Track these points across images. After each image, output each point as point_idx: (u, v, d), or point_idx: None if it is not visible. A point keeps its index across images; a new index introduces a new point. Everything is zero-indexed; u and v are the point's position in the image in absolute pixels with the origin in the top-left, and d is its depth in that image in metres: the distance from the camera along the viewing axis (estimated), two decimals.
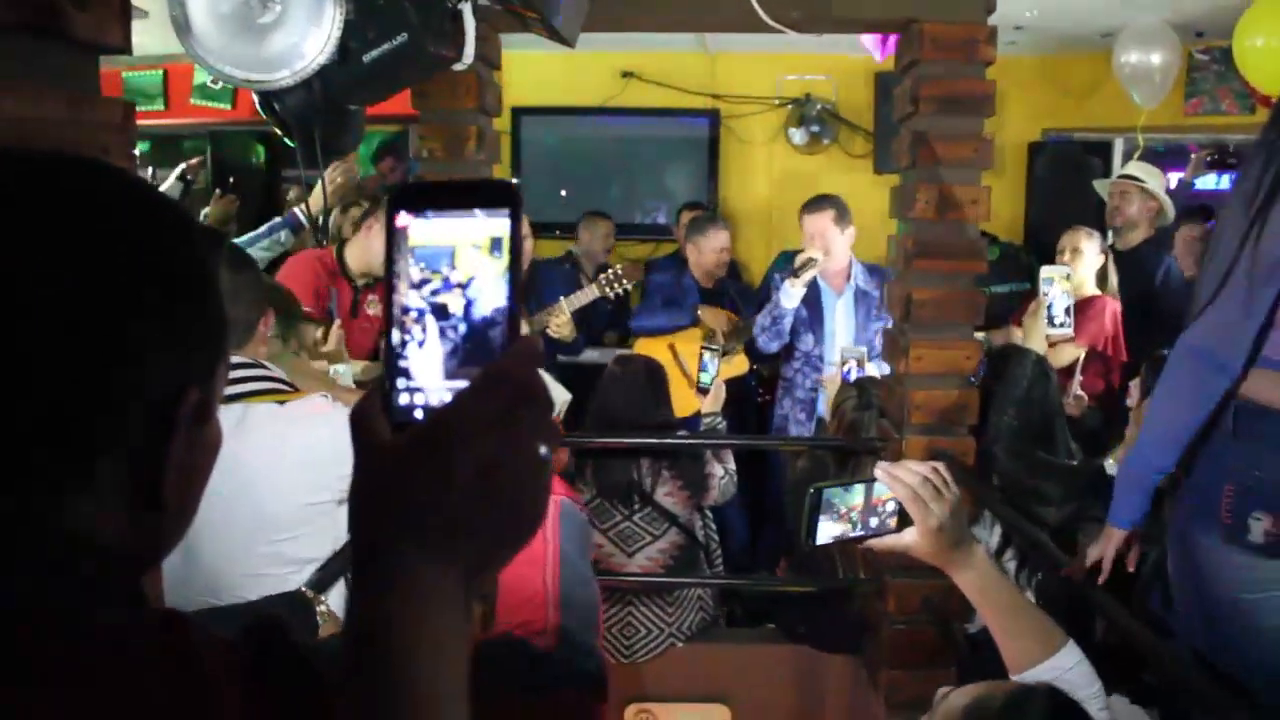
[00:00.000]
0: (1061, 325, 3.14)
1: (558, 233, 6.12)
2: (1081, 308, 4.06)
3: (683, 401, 3.98)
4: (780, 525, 4.22)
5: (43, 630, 0.63)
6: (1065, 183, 5.64)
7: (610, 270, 4.42)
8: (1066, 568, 2.10)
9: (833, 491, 1.49)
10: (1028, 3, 4.56)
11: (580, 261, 5.37)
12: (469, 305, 0.66)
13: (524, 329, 0.69)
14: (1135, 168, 4.65)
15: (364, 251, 3.67)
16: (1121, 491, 2.09)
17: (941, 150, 2.78)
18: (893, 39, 3.75)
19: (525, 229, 4.43)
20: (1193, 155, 5.60)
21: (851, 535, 1.52)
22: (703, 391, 3.88)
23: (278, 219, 3.79)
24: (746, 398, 4.96)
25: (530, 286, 4.64)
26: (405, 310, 0.66)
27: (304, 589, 1.92)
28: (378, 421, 0.65)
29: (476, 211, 0.66)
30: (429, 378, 0.66)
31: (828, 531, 1.49)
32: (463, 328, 0.65)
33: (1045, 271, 3.22)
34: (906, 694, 2.93)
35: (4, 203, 0.67)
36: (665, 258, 5.64)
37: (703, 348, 4.00)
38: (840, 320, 4.28)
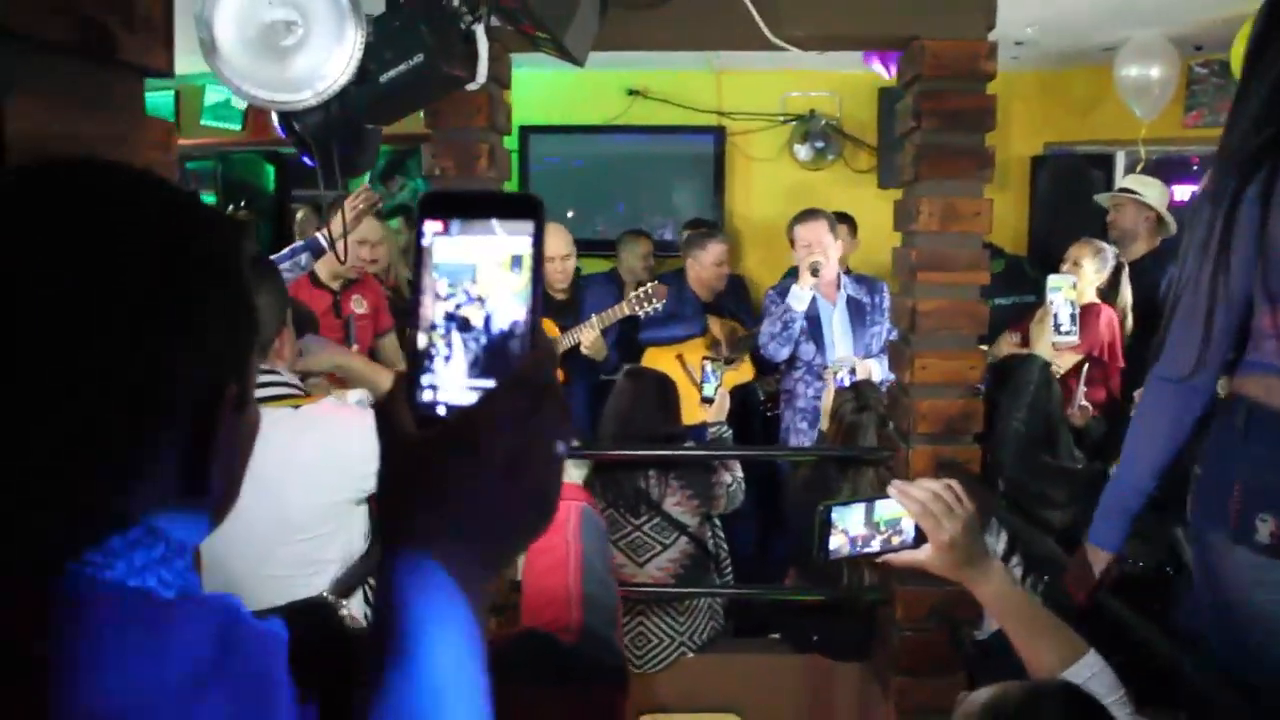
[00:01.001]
0: (1067, 334, 3.18)
1: None
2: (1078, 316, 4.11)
3: (690, 410, 4.03)
4: (787, 536, 4.26)
5: (114, 608, 0.68)
6: (1068, 195, 5.69)
7: (642, 289, 4.46)
8: (1072, 595, 2.14)
9: (842, 508, 1.52)
10: (1029, 19, 4.63)
11: (623, 280, 5.39)
12: (489, 318, 0.70)
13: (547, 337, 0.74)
14: (1131, 180, 4.71)
15: (328, 259, 3.81)
16: (1103, 516, 2.14)
17: (944, 164, 2.84)
18: (894, 56, 3.81)
19: (564, 247, 4.53)
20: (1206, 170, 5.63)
21: (865, 550, 1.54)
22: (707, 402, 3.93)
23: (299, 242, 3.85)
24: (752, 409, 5.01)
25: (575, 303, 4.72)
26: (432, 321, 0.71)
27: (325, 594, 1.97)
28: (404, 415, 0.70)
29: (498, 227, 0.71)
30: (451, 381, 0.71)
31: (839, 546, 1.52)
32: (483, 339, 0.70)
33: (1052, 280, 3.26)
34: (916, 700, 2.96)
35: (41, 215, 0.71)
36: (668, 274, 5.70)
37: (704, 359, 4.06)
38: (837, 329, 4.37)
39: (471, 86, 2.54)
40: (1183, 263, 2.00)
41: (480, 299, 0.71)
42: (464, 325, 0.71)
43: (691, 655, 3.39)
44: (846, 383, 3.77)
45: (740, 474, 3.56)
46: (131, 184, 0.77)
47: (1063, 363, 3.88)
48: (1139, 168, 5.12)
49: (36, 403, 0.68)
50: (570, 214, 6.39)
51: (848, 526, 1.52)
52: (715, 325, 4.79)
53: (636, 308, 4.40)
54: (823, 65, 5.57)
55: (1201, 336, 1.93)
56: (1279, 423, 1.86)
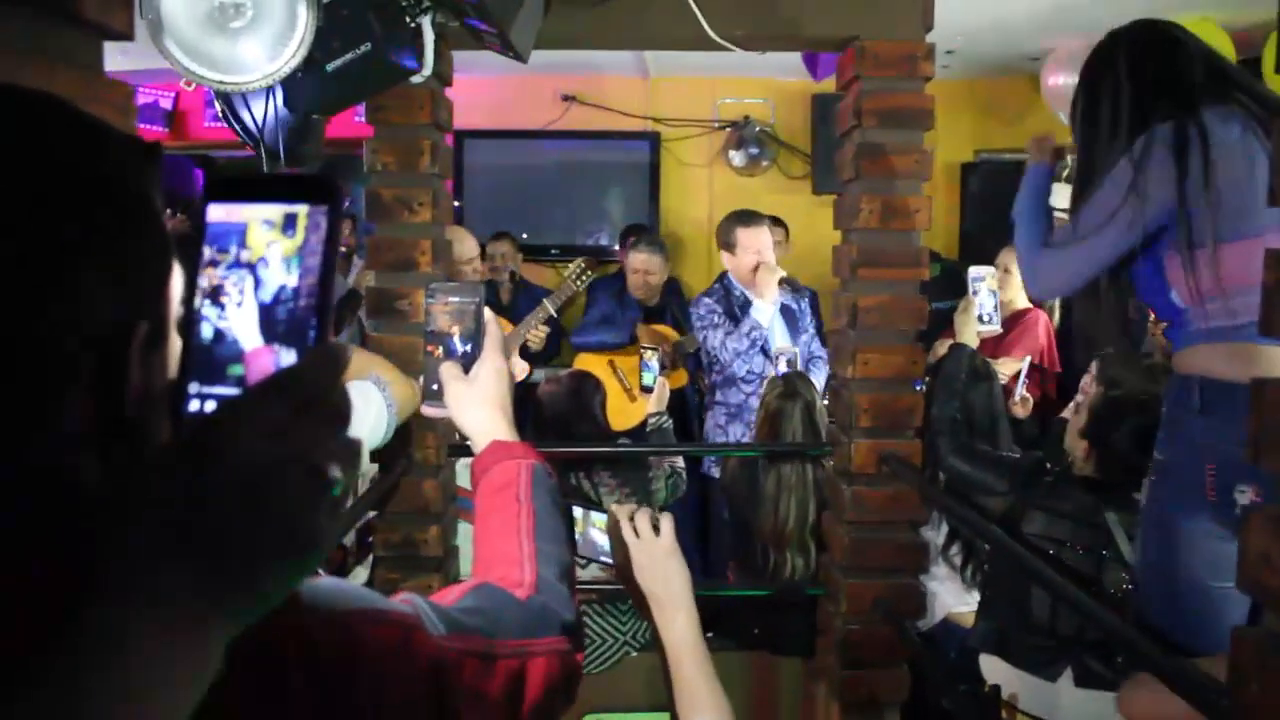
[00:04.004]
0: (989, 322, 3.25)
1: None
2: (1014, 320, 4.19)
3: (623, 415, 4.03)
4: (722, 533, 4.28)
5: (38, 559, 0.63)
6: (998, 202, 5.79)
7: (574, 265, 4.49)
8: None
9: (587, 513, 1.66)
10: (958, 28, 4.72)
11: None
12: (258, 287, 0.61)
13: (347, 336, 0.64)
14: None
15: None
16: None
17: (884, 162, 2.88)
18: (826, 60, 3.86)
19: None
20: None
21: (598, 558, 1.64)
22: (646, 390, 3.94)
23: None
24: (686, 411, 5.04)
25: (518, 307, 4.75)
26: (200, 295, 0.61)
27: None
28: (158, 425, 0.63)
29: (285, 204, 0.62)
30: (217, 370, 0.61)
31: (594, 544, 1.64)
32: (251, 311, 0.60)
33: (974, 271, 3.33)
34: (860, 693, 2.99)
35: None
36: (607, 277, 5.72)
37: (642, 347, 4.07)
38: (778, 333, 4.40)
39: (416, 80, 2.52)
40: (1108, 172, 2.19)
41: (249, 265, 0.61)
42: (233, 296, 0.60)
43: (635, 654, 3.39)
44: (783, 371, 3.83)
45: (681, 464, 3.58)
46: (29, 102, 0.69)
47: (1006, 370, 3.94)
48: (1064, 174, 5.23)
49: None
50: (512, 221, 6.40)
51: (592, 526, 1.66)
52: (643, 333, 4.78)
53: (576, 282, 4.43)
54: (756, 72, 5.64)
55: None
56: (1233, 392, 1.84)
